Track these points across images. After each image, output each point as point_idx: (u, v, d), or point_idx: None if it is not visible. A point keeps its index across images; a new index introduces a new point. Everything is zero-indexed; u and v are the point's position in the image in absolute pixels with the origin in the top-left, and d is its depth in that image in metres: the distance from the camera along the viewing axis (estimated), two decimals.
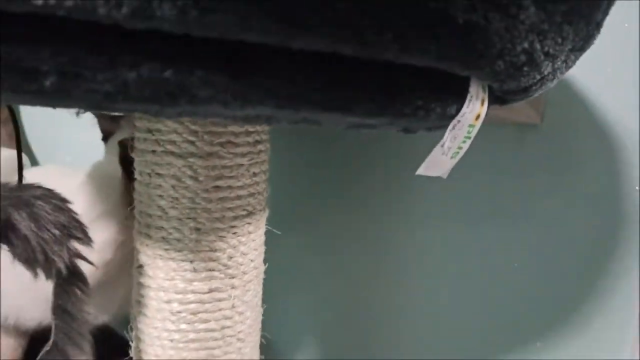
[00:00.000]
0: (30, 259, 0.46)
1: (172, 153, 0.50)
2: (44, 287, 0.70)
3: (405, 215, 0.83)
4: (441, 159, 0.44)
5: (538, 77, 0.39)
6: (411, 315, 0.84)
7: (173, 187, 0.50)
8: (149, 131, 0.50)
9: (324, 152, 0.88)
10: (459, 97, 0.38)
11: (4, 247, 0.46)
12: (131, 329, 0.57)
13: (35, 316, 0.77)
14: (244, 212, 0.53)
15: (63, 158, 1.10)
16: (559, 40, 0.35)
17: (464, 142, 0.43)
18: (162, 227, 0.51)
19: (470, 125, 0.41)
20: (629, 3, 0.64)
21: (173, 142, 0.49)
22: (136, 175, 0.53)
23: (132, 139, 0.54)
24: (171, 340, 0.53)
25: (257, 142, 0.53)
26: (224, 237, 0.52)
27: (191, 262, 0.51)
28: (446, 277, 0.81)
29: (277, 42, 0.26)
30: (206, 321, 0.53)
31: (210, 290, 0.52)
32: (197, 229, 0.51)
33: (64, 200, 0.48)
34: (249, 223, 0.54)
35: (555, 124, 0.72)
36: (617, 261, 0.70)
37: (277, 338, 0.77)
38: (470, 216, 0.78)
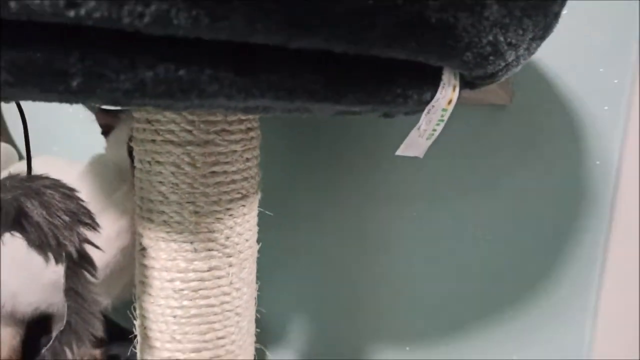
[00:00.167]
0: (42, 244, 0.48)
1: (171, 142, 0.52)
2: (39, 273, 0.72)
3: (386, 192, 0.84)
4: (418, 140, 0.47)
5: (503, 64, 0.42)
6: (390, 285, 0.87)
7: (173, 173, 0.53)
8: (148, 122, 0.52)
9: (310, 138, 0.89)
10: (433, 85, 0.42)
11: (17, 234, 0.49)
12: (134, 309, 0.59)
13: (32, 301, 0.77)
14: (239, 195, 0.55)
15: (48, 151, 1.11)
16: (520, 32, 0.39)
17: (438, 124, 0.46)
18: (164, 212, 0.54)
19: (444, 109, 0.44)
20: None
21: (172, 132, 0.52)
22: (136, 164, 0.55)
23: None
24: (174, 317, 0.55)
25: (249, 129, 0.55)
26: (221, 219, 0.54)
27: (191, 243, 0.54)
28: (424, 247, 0.83)
29: (277, 42, 0.30)
30: (207, 297, 0.55)
31: (210, 269, 0.55)
32: (196, 212, 0.53)
33: (72, 189, 0.50)
34: (243, 205, 0.56)
35: (523, 105, 0.74)
36: (579, 228, 0.73)
37: (271, 312, 0.80)
38: (445, 191, 0.80)
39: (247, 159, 0.56)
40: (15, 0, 0.27)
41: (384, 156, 0.84)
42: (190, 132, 0.52)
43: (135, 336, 0.61)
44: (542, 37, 0.45)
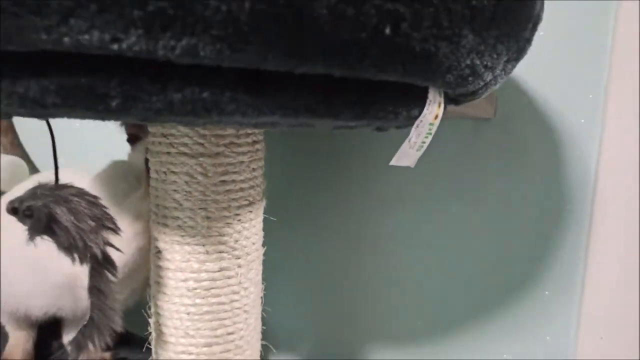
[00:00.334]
0: (71, 247, 0.51)
1: (185, 154, 0.56)
2: (49, 276, 0.75)
3: (380, 199, 0.87)
4: (409, 151, 0.51)
5: (482, 83, 0.47)
6: (387, 284, 0.90)
7: (186, 182, 0.56)
8: (164, 135, 0.56)
9: (310, 150, 0.92)
10: (420, 102, 0.47)
11: (47, 238, 0.54)
12: (149, 307, 0.62)
13: (42, 304, 0.79)
14: (246, 202, 0.59)
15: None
16: (495, 56, 0.44)
17: (427, 137, 0.50)
18: (178, 217, 0.57)
19: (431, 124, 0.48)
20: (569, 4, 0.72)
21: (185, 144, 0.55)
22: (152, 174, 0.59)
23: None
24: (188, 314, 0.59)
25: (255, 142, 0.59)
26: (231, 223, 0.58)
27: (203, 245, 0.57)
28: (416, 249, 0.86)
29: (285, 69, 0.35)
30: (217, 296, 0.58)
31: (220, 269, 0.58)
32: (208, 218, 0.57)
33: (96, 197, 0.54)
34: (250, 211, 0.60)
35: (506, 118, 0.78)
36: (561, 232, 0.77)
37: (275, 310, 0.82)
38: (437, 198, 0.83)
39: (254, 169, 0.60)
40: (69, 37, 0.32)
41: (378, 166, 0.87)
42: (202, 144, 0.55)
43: (144, 341, 0.65)
44: (517, 59, 0.49)
